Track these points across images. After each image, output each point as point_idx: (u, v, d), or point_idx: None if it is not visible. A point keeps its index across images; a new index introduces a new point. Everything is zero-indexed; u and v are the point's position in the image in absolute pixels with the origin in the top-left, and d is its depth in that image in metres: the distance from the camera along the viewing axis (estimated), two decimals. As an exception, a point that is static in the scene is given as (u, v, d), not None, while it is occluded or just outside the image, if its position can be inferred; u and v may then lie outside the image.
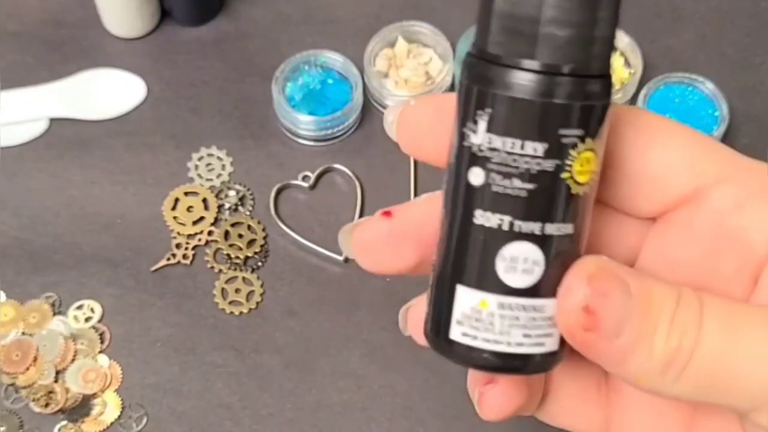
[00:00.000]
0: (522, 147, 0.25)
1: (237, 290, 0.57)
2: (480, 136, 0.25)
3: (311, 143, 0.61)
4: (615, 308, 0.26)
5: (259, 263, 0.57)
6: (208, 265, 0.57)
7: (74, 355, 0.55)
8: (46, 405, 0.53)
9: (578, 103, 0.25)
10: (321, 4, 0.66)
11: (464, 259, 0.26)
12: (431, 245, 0.28)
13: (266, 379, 0.54)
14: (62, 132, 0.61)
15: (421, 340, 0.29)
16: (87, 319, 0.56)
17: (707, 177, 0.27)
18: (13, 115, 0.62)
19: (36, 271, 0.57)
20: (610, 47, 0.25)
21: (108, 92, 0.62)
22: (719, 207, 0.27)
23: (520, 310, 0.26)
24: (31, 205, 0.59)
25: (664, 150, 0.28)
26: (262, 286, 0.57)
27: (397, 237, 0.29)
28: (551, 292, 0.26)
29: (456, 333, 0.26)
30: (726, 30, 0.65)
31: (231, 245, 0.58)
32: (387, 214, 0.29)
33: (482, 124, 0.25)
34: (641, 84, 0.61)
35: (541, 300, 0.26)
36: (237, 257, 0.57)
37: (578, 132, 0.25)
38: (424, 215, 0.28)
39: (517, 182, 0.25)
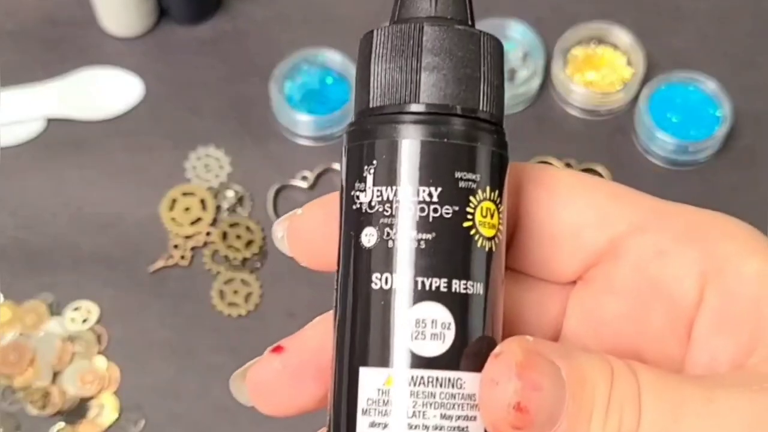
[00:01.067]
0: (415, 193, 0.23)
1: (235, 292, 0.56)
2: (369, 193, 0.23)
3: (310, 143, 0.60)
4: (548, 400, 0.23)
5: (258, 264, 0.57)
6: (206, 267, 0.57)
7: (71, 357, 0.54)
8: (43, 407, 0.53)
9: (469, 144, 0.23)
10: (320, 3, 0.65)
11: (365, 334, 0.23)
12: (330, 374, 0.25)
13: (265, 381, 0.54)
14: (59, 132, 0.61)
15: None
16: (84, 321, 0.55)
17: (623, 227, 0.25)
18: (10, 114, 0.61)
19: (33, 272, 0.57)
20: (499, 95, 0.24)
21: (105, 91, 0.62)
22: (639, 257, 0.25)
23: (435, 384, 0.23)
24: (28, 205, 0.59)
25: (571, 206, 0.26)
26: (260, 287, 0.56)
27: (293, 372, 0.26)
28: (469, 365, 0.23)
29: (363, 426, 0.23)
30: (728, 29, 0.65)
31: (229, 246, 0.57)
32: (277, 349, 0.27)
33: (370, 179, 0.23)
34: (643, 83, 0.61)
35: (459, 373, 0.23)
36: (235, 258, 0.57)
37: (474, 177, 0.23)
38: (320, 340, 0.26)
39: (413, 233, 0.23)
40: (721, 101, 0.60)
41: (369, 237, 0.23)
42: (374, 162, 0.23)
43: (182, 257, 0.57)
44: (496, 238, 0.24)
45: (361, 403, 0.23)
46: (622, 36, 0.62)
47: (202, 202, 0.59)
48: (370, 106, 0.24)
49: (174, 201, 0.59)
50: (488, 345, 0.23)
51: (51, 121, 0.61)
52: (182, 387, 0.54)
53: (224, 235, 0.58)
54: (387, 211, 0.23)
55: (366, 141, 0.24)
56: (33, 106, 0.62)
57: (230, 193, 0.59)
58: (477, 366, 0.23)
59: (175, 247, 0.57)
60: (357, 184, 0.24)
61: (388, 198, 0.23)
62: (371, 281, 0.23)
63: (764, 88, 0.63)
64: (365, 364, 0.23)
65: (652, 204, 0.26)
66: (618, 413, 0.23)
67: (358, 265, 0.24)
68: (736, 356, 0.25)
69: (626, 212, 0.26)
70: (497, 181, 0.24)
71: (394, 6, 0.25)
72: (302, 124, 0.59)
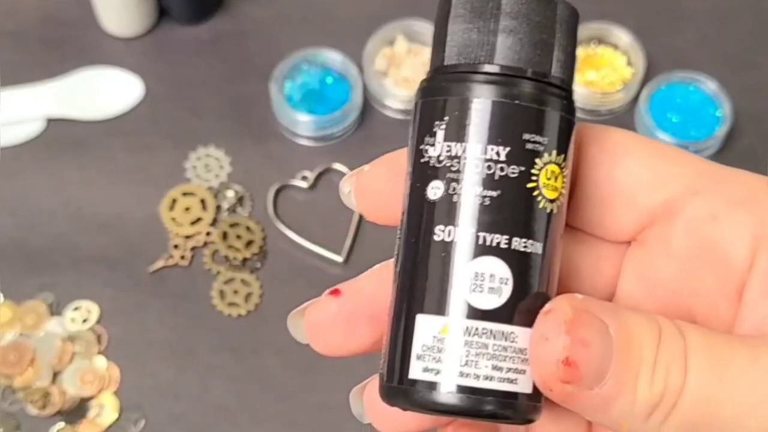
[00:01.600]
0: (483, 151, 0.24)
1: (235, 291, 0.56)
2: (438, 147, 0.24)
3: (310, 143, 0.60)
4: (596, 356, 0.24)
5: (258, 264, 0.57)
6: (206, 266, 0.57)
7: (71, 357, 0.54)
8: (43, 407, 0.53)
9: (539, 107, 0.24)
10: (320, 3, 0.65)
11: (424, 283, 0.24)
12: (386, 320, 0.26)
13: (265, 380, 0.54)
14: (59, 132, 0.61)
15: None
16: (84, 321, 0.55)
17: (677, 189, 0.26)
18: (9, 114, 0.61)
19: (33, 272, 0.57)
20: (571, 62, 0.25)
21: (105, 91, 0.62)
22: (693, 220, 0.26)
23: (489, 336, 0.24)
24: (28, 206, 0.59)
25: (629, 166, 0.26)
26: (261, 287, 0.56)
27: (349, 316, 0.27)
28: (523, 320, 0.24)
29: (416, 370, 0.24)
30: (728, 29, 0.65)
31: (229, 246, 0.57)
32: (335, 292, 0.27)
33: (440, 134, 0.24)
34: (643, 83, 0.61)
35: (512, 327, 0.24)
36: (235, 258, 0.57)
37: (542, 139, 0.24)
38: (374, 288, 0.27)
39: (478, 189, 0.24)
40: (721, 101, 0.60)
41: (435, 190, 0.24)
42: (445, 118, 0.24)
43: (182, 257, 0.57)
44: (558, 201, 0.24)
45: (416, 349, 0.24)
46: (623, 36, 0.62)
47: (203, 202, 0.59)
48: (445, 63, 0.24)
49: (174, 201, 0.59)
50: (542, 302, 0.24)
51: (51, 121, 0.61)
52: (182, 387, 0.54)
53: (224, 235, 0.58)
54: (454, 167, 0.24)
55: (439, 97, 0.24)
56: (33, 106, 0.62)
57: (230, 193, 0.59)
58: (530, 322, 0.24)
59: (175, 247, 0.57)
60: (427, 138, 0.24)
61: (456, 154, 0.24)
62: (434, 233, 0.24)
63: (764, 87, 0.63)
64: (423, 311, 0.24)
65: (708, 167, 0.26)
66: (664, 371, 0.24)
67: (423, 216, 0.24)
68: None
69: (681, 174, 0.26)
70: (564, 145, 0.24)
71: None
72: (302, 124, 0.59)
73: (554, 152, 0.24)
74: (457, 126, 0.24)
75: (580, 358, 0.23)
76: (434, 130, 0.24)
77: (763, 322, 0.25)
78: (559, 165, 0.24)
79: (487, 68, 0.24)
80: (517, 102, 0.24)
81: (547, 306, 0.24)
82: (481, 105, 0.24)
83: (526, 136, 0.24)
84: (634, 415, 0.24)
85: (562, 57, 0.25)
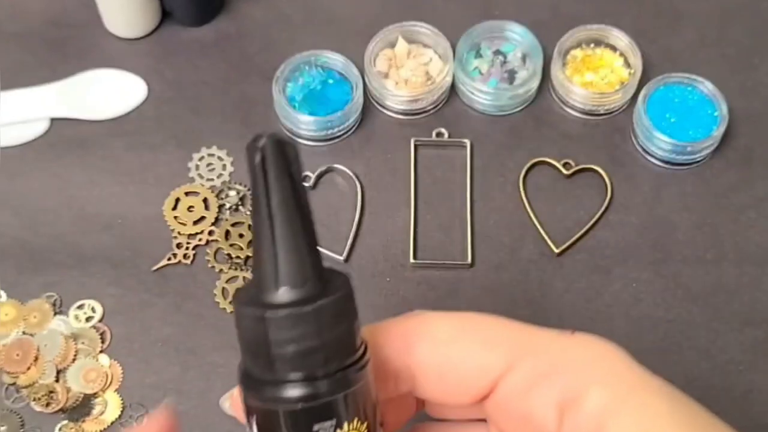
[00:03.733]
0: None
1: (238, 290, 0.56)
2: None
3: (311, 143, 0.61)
4: None
5: (260, 263, 0.57)
6: (209, 265, 0.57)
7: (75, 355, 0.55)
8: (47, 404, 0.53)
9: (321, 402, 0.28)
10: (321, 5, 0.66)
11: None
12: None
13: (267, 378, 0.54)
14: (63, 132, 0.61)
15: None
16: (88, 319, 0.56)
17: (497, 370, 0.30)
18: (14, 115, 0.62)
19: (37, 271, 0.57)
20: (343, 341, 0.29)
21: (109, 92, 0.62)
22: (511, 394, 0.30)
23: None
24: (32, 205, 0.59)
25: (453, 358, 0.31)
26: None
27: None
28: None
29: None
30: (726, 30, 0.65)
31: (232, 245, 0.58)
32: None
33: (254, 427, 0.29)
34: (641, 84, 0.61)
35: None
36: (238, 257, 0.57)
37: (330, 423, 0.28)
38: None
39: None
40: (718, 101, 0.60)
41: None
42: (252, 415, 0.29)
43: (185, 256, 0.57)
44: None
45: None
46: (621, 38, 0.62)
47: (205, 201, 0.59)
48: (244, 368, 0.30)
49: (177, 200, 0.59)
50: None
51: (55, 122, 0.62)
52: (185, 384, 0.54)
53: (227, 234, 0.58)
54: None
55: (246, 395, 0.30)
56: (37, 106, 0.62)
57: (232, 193, 0.59)
58: None
59: (178, 245, 0.58)
60: (246, 425, 0.30)
61: None
62: None
63: (761, 89, 0.63)
64: None
65: (524, 339, 0.30)
66: None
67: None
68: None
69: (500, 355, 0.30)
70: (351, 410, 0.29)
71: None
72: (304, 124, 0.60)
73: (345, 423, 0.28)
74: (260, 426, 0.29)
75: None
76: (250, 420, 0.29)
77: None
78: (351, 422, 0.28)
79: (268, 377, 0.28)
80: (301, 406, 0.28)
81: None
82: (268, 411, 0.29)
83: (316, 427, 0.28)
84: None
85: (333, 350, 0.28)
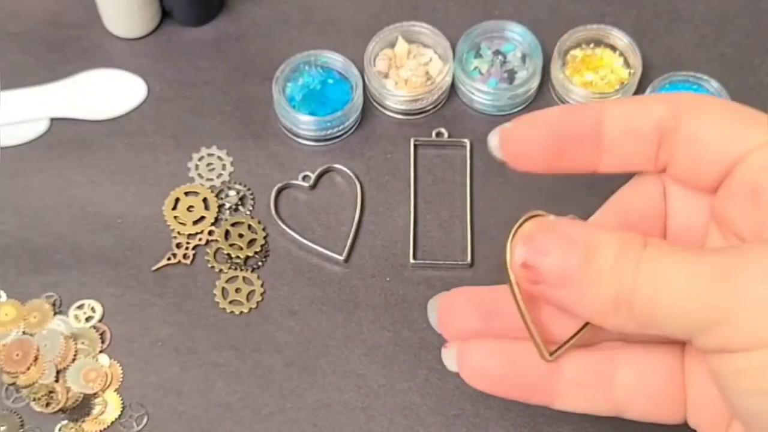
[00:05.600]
0: None
1: (237, 290, 0.57)
2: None
3: (311, 143, 0.61)
4: (556, 261, 0.30)
5: (260, 263, 0.58)
6: (209, 265, 0.57)
7: (75, 355, 0.55)
8: (47, 404, 0.53)
9: None
10: (321, 5, 0.66)
11: None
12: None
13: (267, 378, 0.54)
14: (63, 132, 0.61)
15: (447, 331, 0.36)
16: (88, 319, 0.56)
17: (752, 143, 0.31)
18: (13, 115, 0.62)
19: (37, 271, 0.57)
20: None
21: (109, 92, 0.63)
22: (755, 166, 0.31)
23: None
24: (31, 205, 0.59)
25: (714, 128, 0.32)
26: (262, 285, 0.57)
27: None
28: None
29: None
30: (725, 30, 0.65)
31: (231, 245, 0.58)
32: None
33: None
34: (641, 84, 0.61)
35: None
36: (237, 257, 0.57)
37: None
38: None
39: None
40: (722, 101, 0.60)
41: None
42: None
43: (185, 256, 0.58)
44: None
45: None
46: (620, 38, 0.62)
47: (205, 201, 0.59)
48: None
49: (177, 200, 0.59)
50: None
51: (55, 122, 0.62)
52: (185, 384, 0.54)
53: (226, 234, 0.58)
54: None
55: None
56: (37, 106, 0.62)
57: (232, 193, 0.59)
58: None
59: (178, 245, 0.58)
60: None
61: None
62: None
63: (761, 89, 0.63)
64: None
65: None
66: (618, 275, 0.29)
67: None
68: None
69: (752, 132, 0.32)
70: None
71: None
72: (303, 124, 0.60)
73: None
74: None
75: (539, 263, 0.31)
76: None
77: None
78: None
79: None
80: None
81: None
82: None
83: None
84: (603, 310, 0.30)
85: None
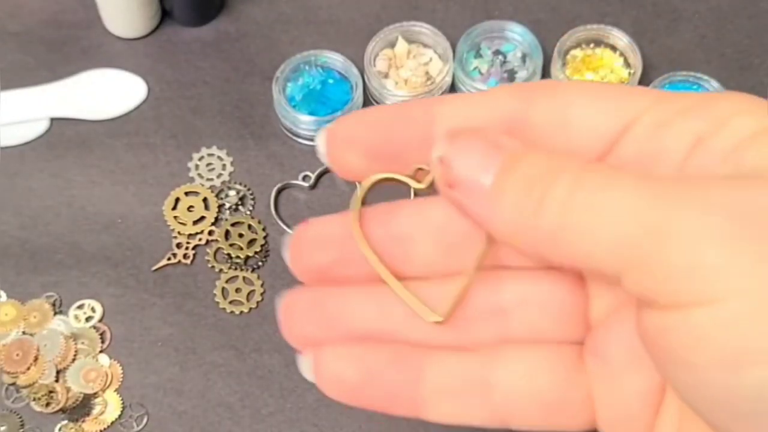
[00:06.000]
0: None
1: (237, 290, 0.57)
2: None
3: (312, 143, 0.61)
4: (476, 162, 0.26)
5: (260, 263, 0.58)
6: (209, 265, 0.57)
7: (75, 355, 0.55)
8: (47, 404, 0.53)
9: None
10: (321, 5, 0.66)
11: None
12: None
13: (267, 378, 0.54)
14: (63, 132, 0.61)
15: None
16: (88, 319, 0.56)
17: (632, 112, 0.27)
18: (13, 115, 0.62)
19: (37, 271, 0.57)
20: None
21: (109, 92, 0.62)
22: (643, 131, 0.27)
23: None
24: (31, 205, 0.59)
25: (581, 105, 0.27)
26: (262, 285, 0.57)
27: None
28: None
29: None
30: (725, 30, 0.65)
31: (231, 245, 0.58)
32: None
33: None
34: (642, 84, 0.61)
35: None
36: (237, 257, 0.57)
37: None
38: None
39: None
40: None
41: None
42: None
43: (185, 256, 0.57)
44: None
45: None
46: (620, 38, 0.62)
47: (205, 201, 0.59)
48: None
49: (177, 200, 0.59)
50: None
51: (54, 122, 0.62)
52: (185, 384, 0.54)
53: (227, 234, 0.58)
54: None
55: None
56: (37, 106, 0.62)
57: (232, 193, 0.59)
58: None
59: (178, 245, 0.58)
60: None
61: None
62: None
63: (762, 89, 0.63)
64: None
65: (651, 92, 0.27)
66: (545, 189, 0.25)
67: None
68: None
69: (636, 100, 0.27)
70: None
71: None
72: (304, 124, 0.60)
73: None
74: None
75: (456, 160, 0.26)
76: None
77: None
78: None
79: None
80: None
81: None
82: None
83: None
84: (516, 227, 0.25)
85: None
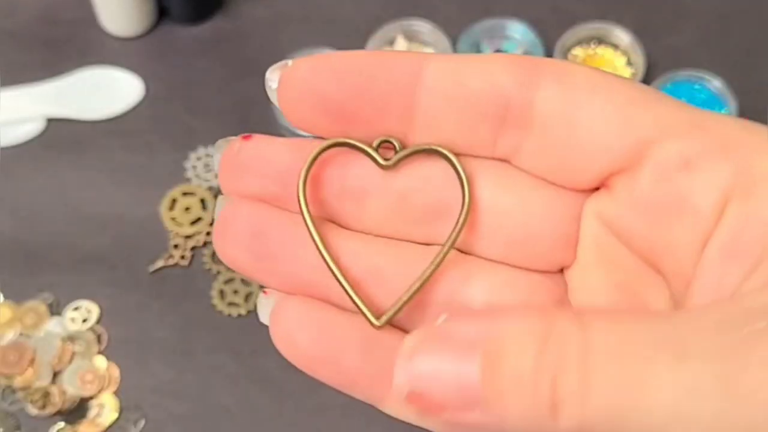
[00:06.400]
0: None
1: (235, 291, 0.56)
2: None
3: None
4: (452, 379, 0.21)
5: (258, 264, 0.57)
6: (206, 266, 0.57)
7: (71, 357, 0.54)
8: (43, 407, 0.53)
9: None
10: (320, 3, 0.66)
11: None
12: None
13: (264, 381, 0.54)
14: (59, 132, 0.61)
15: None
16: (84, 321, 0.55)
17: (649, 133, 0.23)
18: (9, 114, 0.61)
19: (32, 272, 0.57)
20: None
21: (105, 92, 0.62)
22: (664, 165, 0.23)
23: None
24: (27, 206, 0.59)
25: (594, 107, 0.23)
26: (260, 287, 0.56)
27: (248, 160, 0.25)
28: None
29: None
30: (729, 29, 0.65)
31: (229, 246, 0.57)
32: (246, 137, 0.25)
33: None
34: (644, 83, 0.61)
35: None
36: (235, 258, 0.57)
37: None
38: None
39: None
40: (727, 99, 0.60)
41: None
42: None
43: (182, 257, 0.57)
44: None
45: None
46: (622, 36, 0.62)
47: (202, 201, 0.59)
48: None
49: (174, 201, 0.59)
50: None
51: (51, 121, 0.61)
52: (182, 387, 0.54)
53: (224, 235, 0.58)
54: None
55: None
56: (33, 105, 0.62)
57: (230, 193, 0.59)
58: None
59: (175, 246, 0.57)
60: None
61: None
62: None
63: (763, 88, 0.63)
64: None
65: (683, 109, 0.23)
66: (550, 382, 0.20)
67: None
68: (743, 284, 0.22)
69: (654, 116, 0.23)
70: None
71: None
72: (302, 124, 0.59)
73: None
74: None
75: (428, 388, 0.21)
76: None
77: (718, 286, 0.22)
78: None
79: None
80: None
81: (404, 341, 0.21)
82: None
83: None
84: (537, 423, 0.20)
85: None
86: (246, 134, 0.25)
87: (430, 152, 0.25)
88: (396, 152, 0.25)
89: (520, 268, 0.25)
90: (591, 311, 0.21)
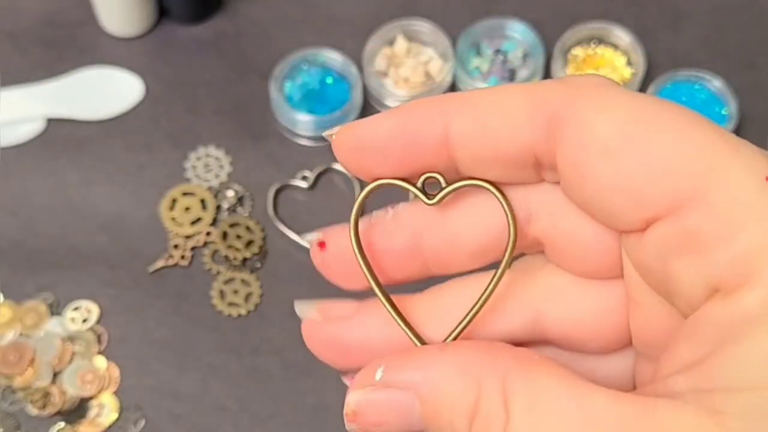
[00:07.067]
0: None
1: (235, 291, 0.56)
2: None
3: (310, 143, 0.60)
4: (396, 426, 0.23)
5: (258, 264, 0.57)
6: (206, 266, 0.57)
7: (71, 357, 0.54)
8: (43, 407, 0.53)
9: None
10: (320, 3, 0.65)
11: None
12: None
13: (265, 380, 0.54)
14: (59, 132, 0.61)
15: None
16: (84, 321, 0.55)
17: (699, 173, 0.22)
18: (9, 115, 0.61)
19: (33, 272, 0.57)
20: None
21: (105, 91, 0.62)
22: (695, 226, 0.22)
23: None
24: (28, 206, 0.59)
25: (650, 144, 0.22)
26: (260, 287, 0.56)
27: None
28: None
29: None
30: (729, 29, 0.65)
31: (229, 246, 0.57)
32: (321, 245, 0.28)
33: None
34: (644, 83, 0.61)
35: None
36: (235, 258, 0.57)
37: None
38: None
39: None
40: (727, 99, 0.60)
41: None
42: None
43: (182, 257, 0.57)
44: None
45: None
46: (623, 36, 0.62)
47: (202, 201, 0.59)
48: None
49: (174, 201, 0.59)
50: None
51: (51, 121, 0.61)
52: (182, 387, 0.54)
53: (224, 235, 0.58)
54: None
55: None
56: (33, 106, 0.62)
57: (230, 193, 0.59)
58: None
59: (175, 246, 0.57)
60: None
61: None
62: None
63: (764, 88, 0.63)
64: None
65: (726, 145, 0.22)
66: (486, 424, 0.22)
67: None
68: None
69: (712, 156, 0.22)
70: None
71: None
72: (302, 123, 0.59)
73: None
74: None
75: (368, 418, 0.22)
76: None
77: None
78: None
79: None
80: None
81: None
82: None
83: None
84: None
85: None
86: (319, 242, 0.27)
87: (475, 186, 0.25)
88: (442, 188, 0.26)
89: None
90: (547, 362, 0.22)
